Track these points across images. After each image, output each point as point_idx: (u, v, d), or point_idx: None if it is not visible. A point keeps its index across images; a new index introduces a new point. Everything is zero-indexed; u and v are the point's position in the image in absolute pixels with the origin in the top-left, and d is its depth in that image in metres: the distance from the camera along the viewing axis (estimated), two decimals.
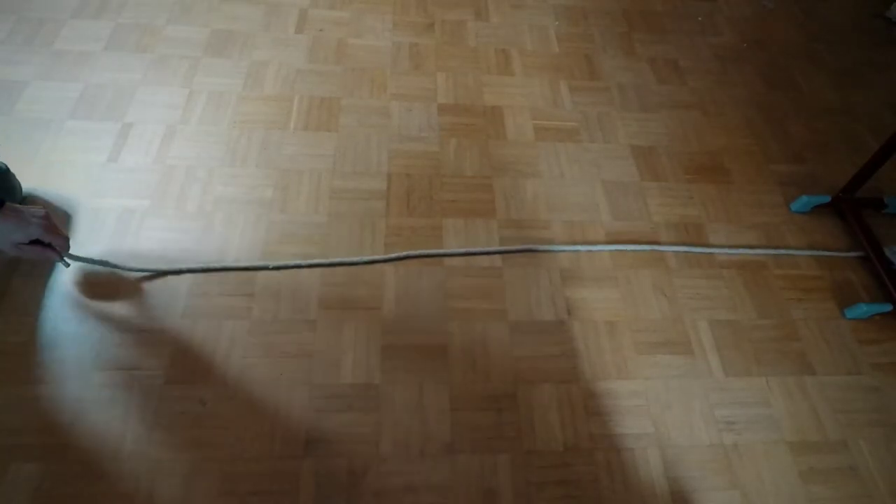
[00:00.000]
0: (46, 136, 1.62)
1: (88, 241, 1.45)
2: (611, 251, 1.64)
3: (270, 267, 1.46)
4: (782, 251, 1.71)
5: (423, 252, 1.55)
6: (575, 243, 1.64)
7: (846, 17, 2.61)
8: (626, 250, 1.64)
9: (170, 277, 1.42)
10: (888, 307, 1.59)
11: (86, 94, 1.74)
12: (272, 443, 1.23)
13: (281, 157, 1.69)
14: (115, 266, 1.39)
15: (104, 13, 1.96)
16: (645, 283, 1.60)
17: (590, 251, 1.62)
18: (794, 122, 2.10)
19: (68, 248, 1.28)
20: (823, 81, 2.28)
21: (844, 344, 1.57)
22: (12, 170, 1.44)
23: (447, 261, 1.56)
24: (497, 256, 1.58)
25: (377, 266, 1.52)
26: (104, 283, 1.40)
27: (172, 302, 1.39)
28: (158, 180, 1.60)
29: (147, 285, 1.41)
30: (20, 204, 1.31)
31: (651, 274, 1.62)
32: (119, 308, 1.36)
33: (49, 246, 1.23)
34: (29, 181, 1.50)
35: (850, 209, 1.77)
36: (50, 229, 1.21)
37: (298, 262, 1.48)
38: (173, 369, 1.29)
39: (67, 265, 1.32)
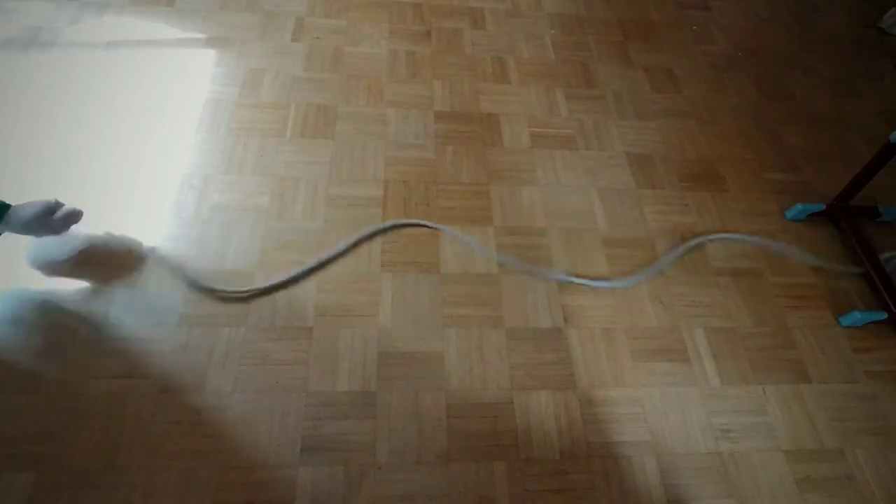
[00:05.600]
0: None
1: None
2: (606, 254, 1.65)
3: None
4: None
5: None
6: (572, 250, 1.64)
7: (840, 26, 2.64)
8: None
9: (165, 284, 1.42)
10: (883, 315, 1.59)
11: None
12: (267, 451, 1.22)
13: (277, 165, 1.69)
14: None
15: (105, 17, 1.97)
16: (641, 291, 1.60)
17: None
18: (789, 130, 2.12)
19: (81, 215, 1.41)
20: (817, 90, 2.30)
21: (840, 352, 1.58)
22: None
23: (443, 267, 1.56)
24: (493, 264, 1.58)
25: (374, 272, 1.52)
26: (99, 290, 1.39)
27: (168, 309, 1.38)
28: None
29: (142, 292, 1.40)
30: None
31: (647, 281, 1.62)
32: (114, 316, 1.36)
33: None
34: None
35: (844, 217, 1.78)
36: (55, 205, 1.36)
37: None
38: (168, 378, 1.29)
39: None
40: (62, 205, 1.37)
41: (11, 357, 1.27)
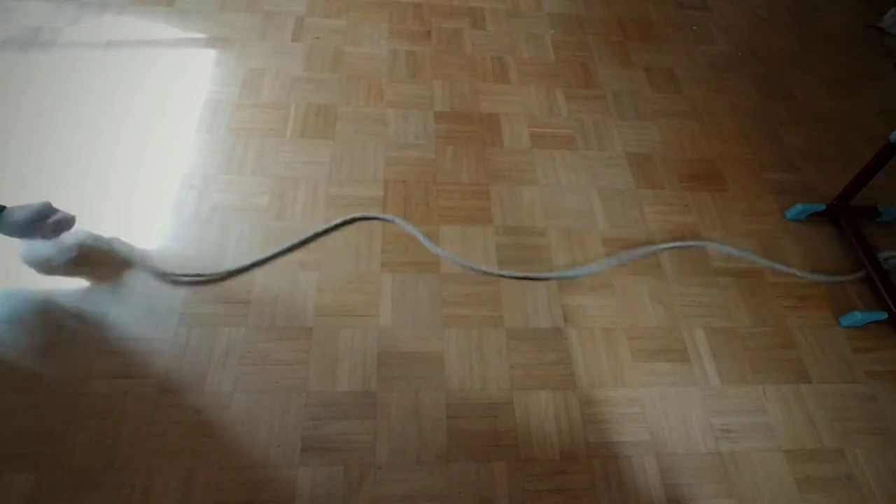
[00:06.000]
0: None
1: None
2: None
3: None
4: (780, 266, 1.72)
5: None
6: (572, 250, 1.64)
7: (840, 26, 2.64)
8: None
9: (165, 285, 1.42)
10: (883, 315, 1.59)
11: None
12: (267, 451, 1.22)
13: (277, 165, 1.69)
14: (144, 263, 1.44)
15: (105, 17, 1.97)
16: (641, 291, 1.60)
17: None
18: (789, 130, 2.12)
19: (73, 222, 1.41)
20: (817, 90, 2.30)
21: (840, 352, 1.57)
22: None
23: (443, 268, 1.56)
24: (495, 264, 1.58)
25: (374, 272, 1.52)
26: (99, 290, 1.39)
27: (168, 309, 1.38)
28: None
29: (142, 292, 1.40)
30: None
31: (647, 281, 1.62)
32: (114, 316, 1.36)
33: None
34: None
35: (844, 217, 1.78)
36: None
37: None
38: (168, 377, 1.29)
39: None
40: (56, 210, 1.37)
41: (11, 357, 1.27)
